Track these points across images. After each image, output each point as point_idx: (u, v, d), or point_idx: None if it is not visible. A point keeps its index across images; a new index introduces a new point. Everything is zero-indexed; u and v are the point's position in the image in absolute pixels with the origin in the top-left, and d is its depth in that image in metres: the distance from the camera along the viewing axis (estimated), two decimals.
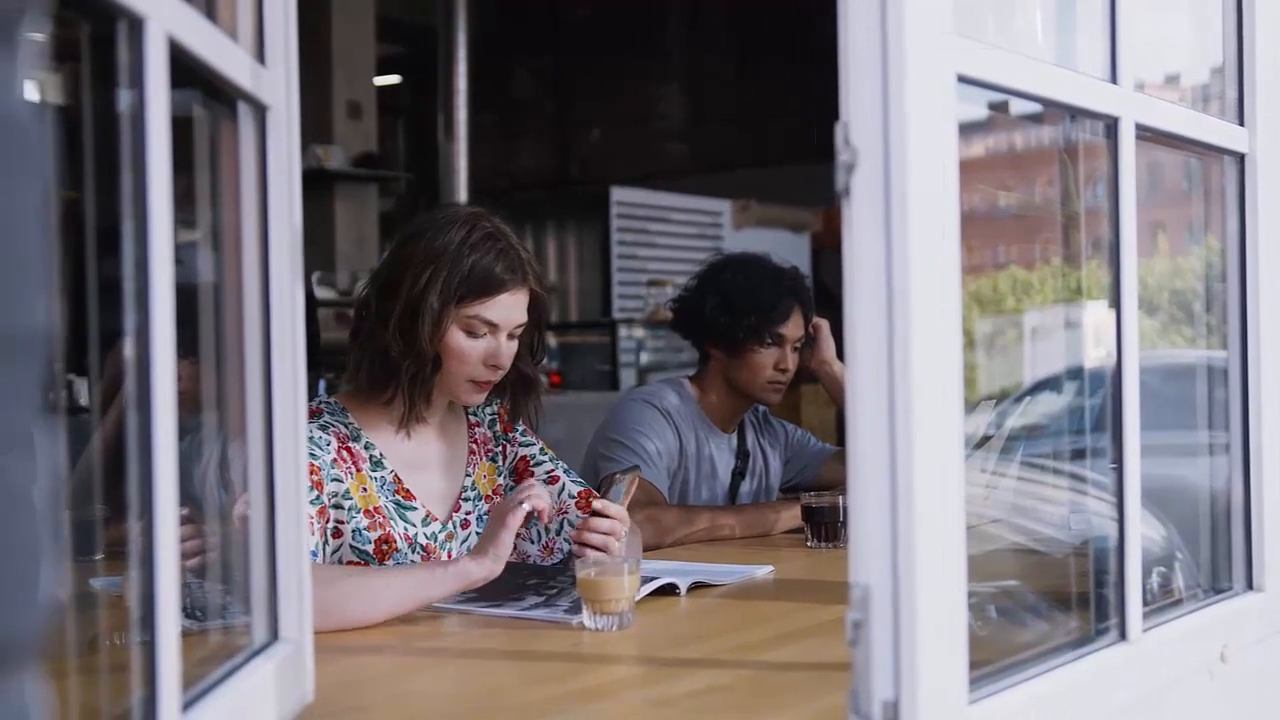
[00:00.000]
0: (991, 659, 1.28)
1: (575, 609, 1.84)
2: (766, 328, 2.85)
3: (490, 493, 2.26)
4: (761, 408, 3.07)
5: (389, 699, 1.52)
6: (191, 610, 1.25)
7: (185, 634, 1.00)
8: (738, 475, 3.01)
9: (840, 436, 4.25)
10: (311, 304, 3.34)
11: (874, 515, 1.11)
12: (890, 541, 1.11)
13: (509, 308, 2.10)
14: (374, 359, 2.10)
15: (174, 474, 0.97)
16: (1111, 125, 1.44)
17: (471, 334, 2.09)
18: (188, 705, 1.03)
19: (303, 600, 1.34)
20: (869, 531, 1.12)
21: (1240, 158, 1.72)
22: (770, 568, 2.28)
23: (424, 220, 2.14)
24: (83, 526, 1.97)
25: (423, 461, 2.19)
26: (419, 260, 2.07)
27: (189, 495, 1.09)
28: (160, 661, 0.95)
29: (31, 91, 0.53)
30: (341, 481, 2.05)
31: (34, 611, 0.53)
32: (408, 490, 2.14)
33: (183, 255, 1.04)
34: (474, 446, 2.27)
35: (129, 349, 0.95)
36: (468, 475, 2.24)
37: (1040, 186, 1.92)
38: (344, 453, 2.08)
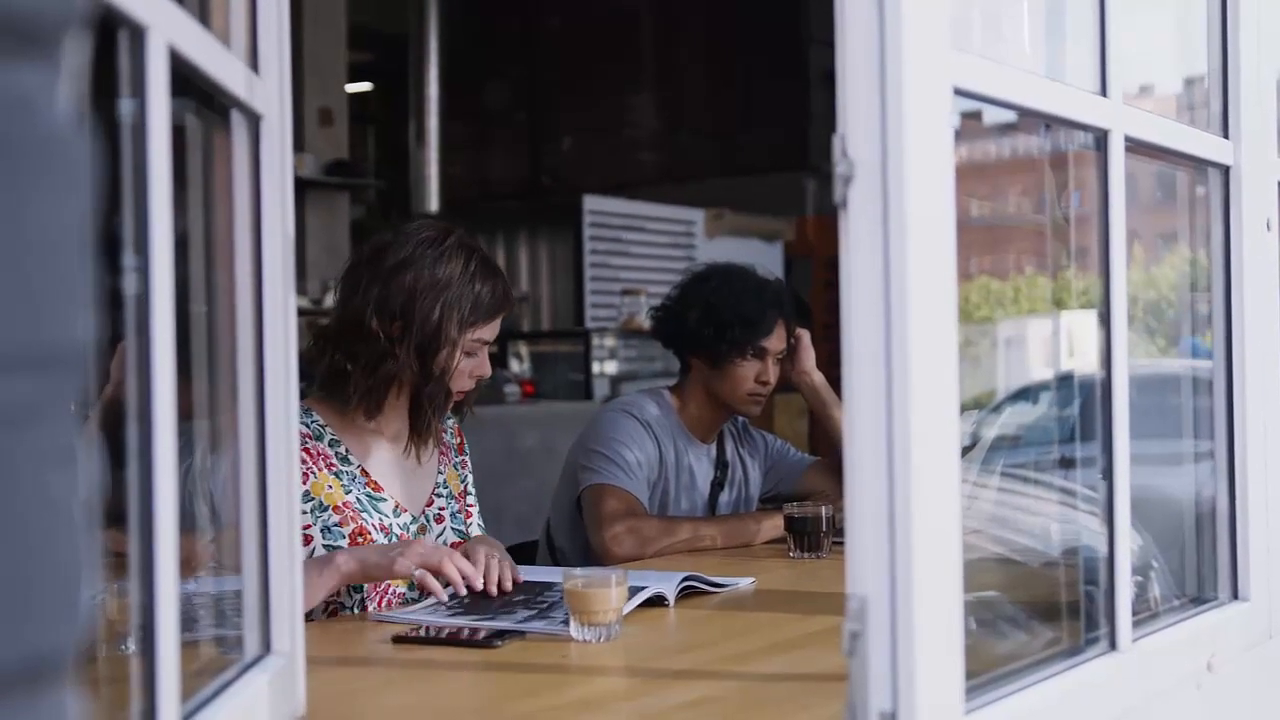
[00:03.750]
0: (985, 669, 1.28)
1: (569, 621, 1.83)
2: (750, 341, 2.84)
3: (457, 494, 2.33)
4: (741, 418, 3.07)
5: (380, 712, 1.51)
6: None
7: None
8: (717, 486, 3.00)
9: (814, 446, 4.25)
10: None
11: (871, 527, 1.11)
12: (888, 553, 1.11)
13: (498, 326, 2.23)
14: (383, 384, 2.14)
15: (174, 487, 0.96)
16: (1101, 137, 1.45)
17: (470, 355, 2.19)
18: (184, 719, 1.02)
19: (295, 614, 1.33)
20: (866, 543, 1.11)
21: (1225, 170, 1.73)
22: (752, 580, 2.27)
23: (413, 248, 2.15)
24: None
25: (394, 458, 2.24)
26: (425, 290, 2.11)
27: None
28: (160, 675, 0.94)
29: (72, 106, 0.52)
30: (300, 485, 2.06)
31: (76, 625, 0.53)
32: (376, 483, 2.19)
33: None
34: (443, 447, 2.34)
35: (130, 358, 0.94)
36: (440, 473, 2.31)
37: (1014, 196, 1.93)
38: (302, 453, 2.09)
